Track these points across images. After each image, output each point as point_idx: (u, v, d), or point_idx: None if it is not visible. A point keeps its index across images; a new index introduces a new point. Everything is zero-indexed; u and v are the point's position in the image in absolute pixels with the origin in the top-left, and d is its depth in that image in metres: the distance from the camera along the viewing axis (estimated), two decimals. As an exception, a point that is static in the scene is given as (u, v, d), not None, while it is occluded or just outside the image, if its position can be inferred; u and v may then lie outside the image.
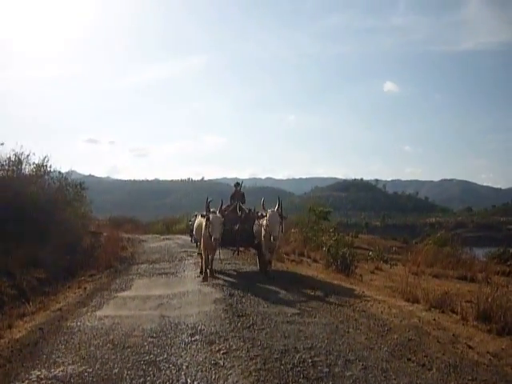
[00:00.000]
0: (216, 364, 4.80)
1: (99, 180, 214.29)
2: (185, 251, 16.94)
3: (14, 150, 14.60)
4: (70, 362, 4.99)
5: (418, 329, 6.10)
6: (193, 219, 17.85)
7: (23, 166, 14.97)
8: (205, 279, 10.21)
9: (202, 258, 11.25)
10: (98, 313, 7.35)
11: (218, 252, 11.28)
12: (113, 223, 30.22)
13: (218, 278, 10.35)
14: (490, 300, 6.56)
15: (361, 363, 4.76)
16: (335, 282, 10.00)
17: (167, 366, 4.80)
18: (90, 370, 4.73)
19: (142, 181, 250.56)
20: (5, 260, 10.18)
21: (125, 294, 8.97)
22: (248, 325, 6.34)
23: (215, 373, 4.55)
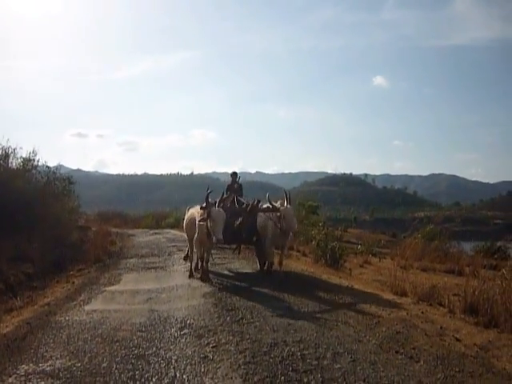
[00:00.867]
0: (205, 357, 4.80)
1: (87, 174, 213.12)
2: (174, 246, 16.90)
3: (0, 144, 14.47)
4: (59, 356, 4.96)
5: (406, 322, 6.14)
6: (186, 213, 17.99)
7: (10, 160, 14.84)
8: (204, 279, 9.20)
9: (189, 258, 10.52)
10: (87, 307, 7.32)
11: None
12: (101, 218, 30.09)
13: (211, 281, 9.17)
14: (477, 293, 6.61)
15: (349, 356, 4.78)
16: (324, 276, 10.02)
17: (156, 359, 4.79)
18: (79, 364, 4.71)
19: (131, 175, 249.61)
20: (-8, 254, 10.09)
21: (113, 288, 8.94)
22: (237, 319, 6.34)
23: (204, 366, 4.55)
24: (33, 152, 15.74)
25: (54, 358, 4.92)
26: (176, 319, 6.36)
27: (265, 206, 9.95)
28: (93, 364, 4.70)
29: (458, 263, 13.10)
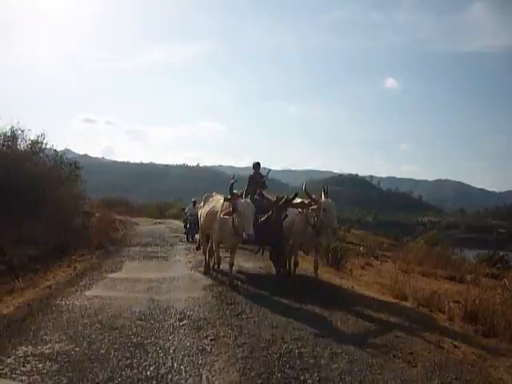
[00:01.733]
0: (203, 350, 4.82)
1: (94, 160, 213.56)
2: (176, 236, 17.00)
3: (9, 125, 14.50)
4: (58, 339, 4.99)
5: (405, 326, 6.13)
6: (188, 207, 17.36)
7: (18, 142, 14.88)
8: (231, 285, 8.04)
9: (207, 255, 9.50)
10: (88, 293, 7.35)
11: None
12: (106, 204, 30.15)
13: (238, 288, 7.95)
14: (477, 302, 6.59)
15: (347, 356, 4.78)
16: (325, 275, 10.00)
17: (154, 349, 4.80)
18: (77, 349, 4.73)
19: (137, 163, 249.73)
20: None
21: (115, 275, 8.97)
22: (236, 313, 6.36)
23: (202, 358, 4.56)
24: (41, 135, 15.78)
25: (53, 341, 4.94)
26: (176, 310, 6.38)
27: (298, 200, 8.72)
28: (91, 350, 4.72)
29: (460, 270, 13.07)
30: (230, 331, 5.49)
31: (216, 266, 9.46)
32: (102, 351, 4.69)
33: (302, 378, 4.19)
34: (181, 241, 15.60)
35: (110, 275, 8.92)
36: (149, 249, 13.31)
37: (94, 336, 5.16)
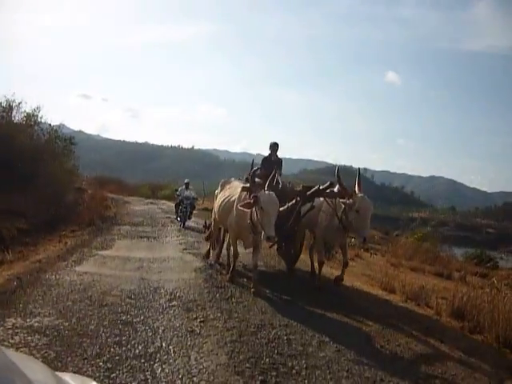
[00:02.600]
0: (192, 331, 4.82)
1: (89, 137, 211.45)
2: (168, 217, 16.93)
3: (5, 96, 14.33)
4: (47, 314, 4.98)
5: (393, 319, 6.18)
6: (181, 188, 15.85)
7: (13, 114, 14.72)
8: (231, 279, 7.28)
9: (215, 244, 9.07)
10: (78, 268, 7.34)
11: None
12: (98, 182, 29.97)
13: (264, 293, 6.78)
14: (465, 299, 6.64)
15: (335, 345, 4.80)
16: (315, 264, 10.00)
17: (143, 328, 4.81)
18: (66, 323, 4.72)
19: (132, 142, 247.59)
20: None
21: (105, 252, 8.95)
22: (226, 296, 6.37)
23: (191, 340, 4.57)
24: (37, 108, 15.60)
25: (42, 314, 4.93)
26: (166, 290, 6.38)
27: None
28: (80, 325, 4.71)
29: (448, 267, 13.19)
30: (219, 314, 5.51)
31: (230, 264, 7.60)
32: (92, 327, 4.68)
33: (289, 364, 4.21)
34: (172, 222, 15.54)
35: (100, 252, 8.90)
36: (140, 228, 13.27)
37: (83, 312, 5.15)
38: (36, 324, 4.62)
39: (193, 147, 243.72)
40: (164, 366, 3.89)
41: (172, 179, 38.74)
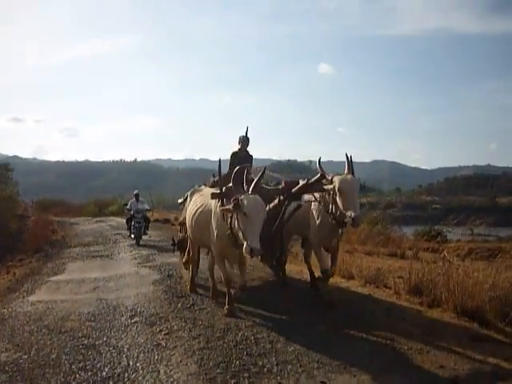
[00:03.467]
0: (158, 345, 4.74)
1: (25, 161, 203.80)
2: (119, 233, 16.59)
3: None
4: (3, 349, 4.76)
5: (355, 304, 6.30)
6: (131, 202, 14.50)
7: None
8: (231, 313, 5.71)
9: (190, 266, 7.36)
10: (31, 298, 7.07)
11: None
12: (41, 206, 28.97)
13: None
14: (420, 275, 6.85)
15: (302, 339, 4.84)
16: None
17: (107, 349, 4.68)
18: (26, 356, 4.53)
19: (72, 162, 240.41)
20: None
21: (58, 277, 8.67)
22: (188, 305, 6.30)
23: (158, 354, 4.49)
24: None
25: (-2, 351, 4.71)
26: (126, 307, 6.25)
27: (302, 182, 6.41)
28: (41, 356, 4.54)
29: (400, 247, 13.57)
30: (183, 324, 5.44)
31: (212, 284, 6.63)
32: (53, 356, 4.52)
33: (260, 363, 4.21)
34: (124, 237, 15.23)
35: (52, 278, 8.61)
36: (91, 248, 12.94)
37: (42, 342, 4.96)
38: (-7, 362, 4.41)
39: (135, 160, 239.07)
40: (134, 385, 3.80)
41: (118, 194, 37.98)
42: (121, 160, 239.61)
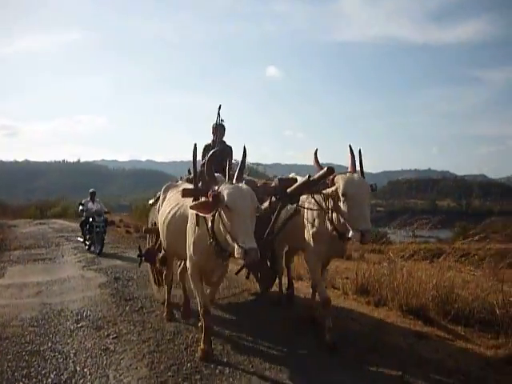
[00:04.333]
0: (106, 349, 4.62)
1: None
2: (62, 236, 16.12)
3: None
4: None
5: (305, 305, 6.36)
6: (85, 202, 12.82)
7: None
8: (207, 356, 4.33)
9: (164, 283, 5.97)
10: (-32, 304, 6.71)
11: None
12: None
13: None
14: (366, 275, 7.03)
15: (253, 338, 4.87)
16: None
17: (53, 354, 4.51)
18: (-36, 365, 4.30)
19: (10, 162, 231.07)
20: None
21: (-3, 282, 8.28)
22: (137, 308, 6.19)
23: (106, 358, 4.37)
24: None
25: None
26: (71, 311, 6.05)
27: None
28: (-20, 364, 4.32)
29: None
30: (132, 327, 5.33)
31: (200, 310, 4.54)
32: (-6, 364, 4.31)
33: (212, 365, 4.18)
34: (67, 240, 14.77)
35: (-10, 283, 8.21)
36: (33, 251, 12.45)
37: (-19, 350, 4.72)
38: None
39: (79, 160, 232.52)
40: (82, 391, 3.69)
41: (61, 195, 36.81)
42: (63, 161, 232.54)
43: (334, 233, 4.57)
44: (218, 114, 6.61)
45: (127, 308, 6.19)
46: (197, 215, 4.10)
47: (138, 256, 6.67)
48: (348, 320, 5.67)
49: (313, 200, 4.84)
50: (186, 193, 4.30)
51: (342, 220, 4.36)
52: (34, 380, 3.92)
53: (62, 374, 4.04)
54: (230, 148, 6.58)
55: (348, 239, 4.42)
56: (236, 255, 3.61)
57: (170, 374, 3.99)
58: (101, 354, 4.51)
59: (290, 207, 5.08)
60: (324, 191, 4.56)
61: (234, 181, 3.99)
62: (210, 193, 3.87)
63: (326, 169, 4.43)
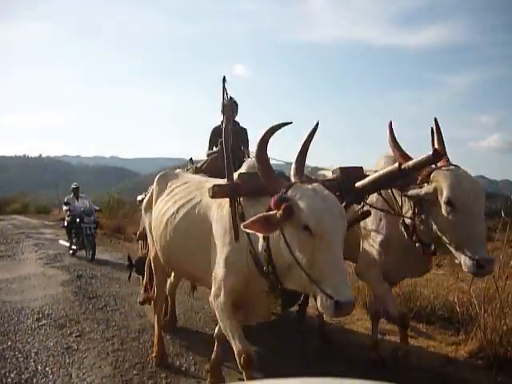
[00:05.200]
0: (69, 348, 4.53)
1: None
2: (22, 232, 15.69)
3: None
4: None
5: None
6: (68, 198, 11.34)
7: None
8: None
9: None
10: None
11: None
12: None
13: None
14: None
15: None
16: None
17: (13, 353, 4.39)
18: None
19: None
20: None
21: (-49, 280, 8.00)
22: (101, 306, 6.11)
23: (69, 357, 4.28)
24: None
25: None
26: (32, 310, 5.92)
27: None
28: None
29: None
30: (95, 325, 5.26)
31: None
32: (-50, 364, 4.17)
33: (177, 362, 4.16)
34: (28, 237, 14.39)
35: None
36: (-10, 248, 12.10)
37: None
38: None
39: (40, 155, 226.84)
40: (43, 390, 3.60)
41: (20, 191, 35.85)
42: (24, 155, 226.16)
43: (415, 245, 3.25)
44: (223, 87, 5.21)
45: (90, 306, 6.10)
46: (233, 218, 2.73)
47: (128, 266, 5.67)
48: (314, 316, 5.71)
49: (380, 197, 3.40)
50: (217, 192, 2.83)
51: (434, 227, 3.06)
52: (-8, 380, 3.82)
53: (23, 373, 3.94)
54: (245, 130, 5.46)
55: (434, 253, 3.26)
56: (320, 307, 2.16)
57: (134, 372, 3.94)
58: (63, 352, 4.42)
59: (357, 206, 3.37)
60: (410, 192, 3.11)
61: (303, 178, 2.56)
62: (275, 199, 2.32)
63: (432, 151, 2.70)
